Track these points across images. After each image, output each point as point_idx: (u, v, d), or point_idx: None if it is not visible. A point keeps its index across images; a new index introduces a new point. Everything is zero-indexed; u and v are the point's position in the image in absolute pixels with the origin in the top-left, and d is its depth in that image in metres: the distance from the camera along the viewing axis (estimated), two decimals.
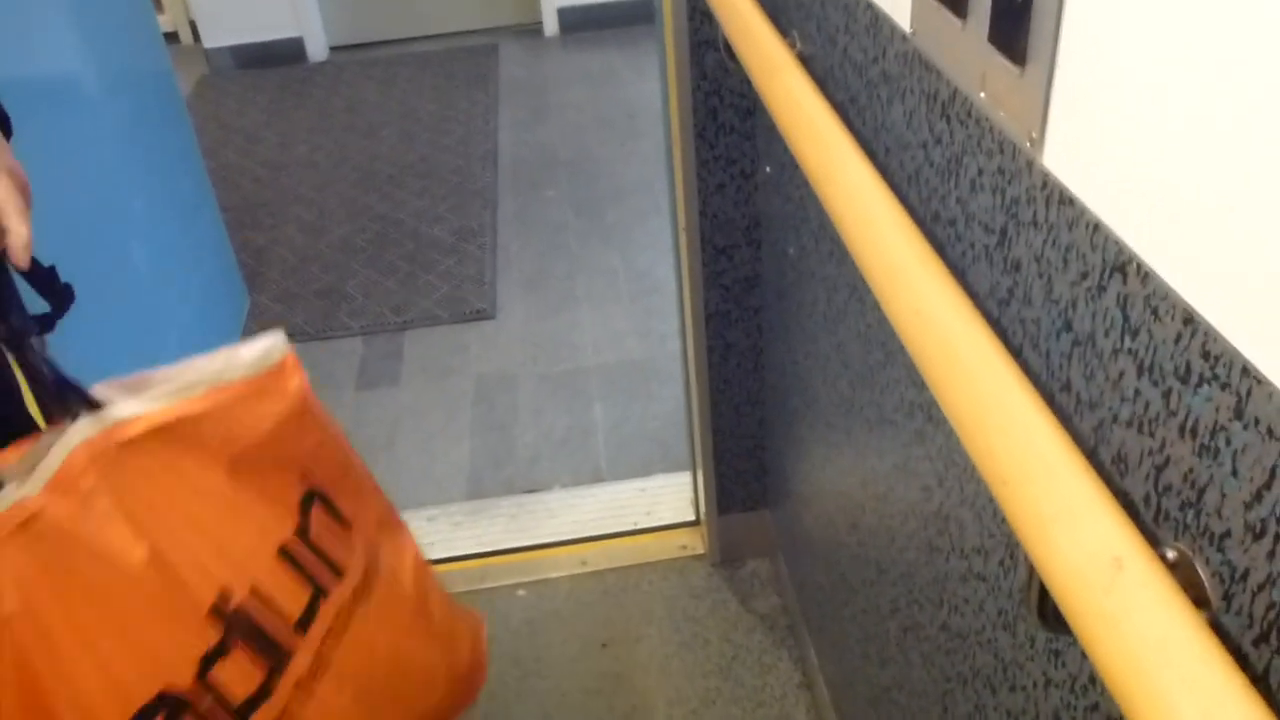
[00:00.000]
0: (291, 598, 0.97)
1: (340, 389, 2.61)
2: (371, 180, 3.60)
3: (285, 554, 0.98)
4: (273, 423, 0.99)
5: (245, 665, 0.93)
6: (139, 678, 0.87)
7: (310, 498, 1.03)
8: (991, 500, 0.78)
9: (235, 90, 4.47)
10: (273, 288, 3.03)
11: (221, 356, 0.96)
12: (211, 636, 0.90)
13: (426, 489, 2.26)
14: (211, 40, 4.66)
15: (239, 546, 0.95)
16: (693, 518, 2.10)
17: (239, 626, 0.92)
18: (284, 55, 4.71)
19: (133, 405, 0.90)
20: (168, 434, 0.91)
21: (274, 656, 0.95)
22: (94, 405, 0.89)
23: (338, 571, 1.03)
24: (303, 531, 1.01)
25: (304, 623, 0.98)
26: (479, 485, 2.26)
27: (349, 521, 1.08)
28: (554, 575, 2.01)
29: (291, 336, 3.10)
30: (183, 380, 0.93)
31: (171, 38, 5.00)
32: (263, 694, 0.94)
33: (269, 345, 0.99)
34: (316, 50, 4.74)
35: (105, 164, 2.13)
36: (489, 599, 1.98)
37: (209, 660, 0.90)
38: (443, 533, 2.12)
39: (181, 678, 0.89)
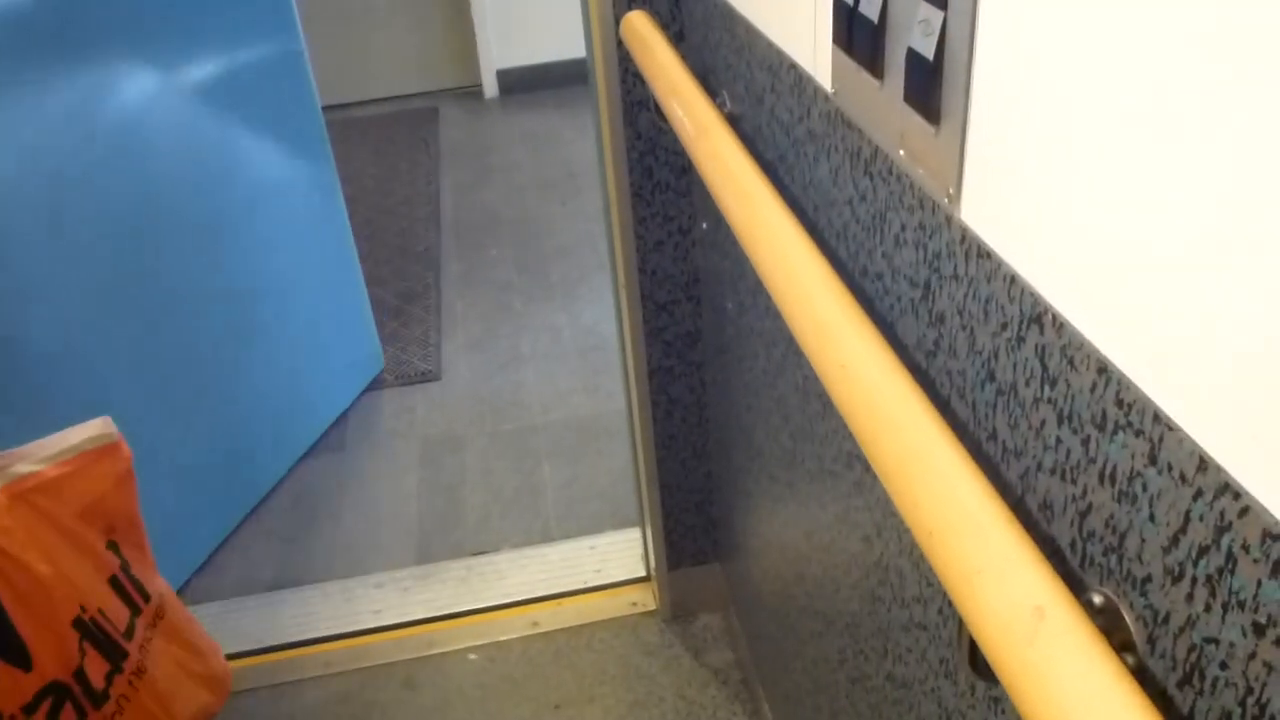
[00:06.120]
0: (119, 615, 1.37)
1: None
2: None
3: (113, 582, 1.37)
4: (110, 483, 1.36)
5: (97, 663, 1.33)
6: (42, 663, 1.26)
7: (113, 544, 1.40)
8: None
9: None
10: None
11: (57, 438, 1.32)
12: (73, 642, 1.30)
13: (374, 555, 2.23)
14: None
15: (83, 575, 1.31)
16: (643, 574, 2.10)
17: (89, 635, 1.32)
18: None
19: (19, 467, 1.26)
20: (42, 489, 1.27)
21: (114, 658, 1.35)
22: None
23: (145, 596, 1.43)
24: (125, 566, 1.40)
25: (128, 632, 1.38)
26: (428, 549, 2.24)
27: (149, 561, 1.49)
28: (505, 637, 1.99)
29: None
30: (42, 454, 1.29)
31: None
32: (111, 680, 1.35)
33: (100, 427, 1.35)
34: None
35: None
36: (440, 664, 1.95)
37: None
38: (391, 599, 2.10)
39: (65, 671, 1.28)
